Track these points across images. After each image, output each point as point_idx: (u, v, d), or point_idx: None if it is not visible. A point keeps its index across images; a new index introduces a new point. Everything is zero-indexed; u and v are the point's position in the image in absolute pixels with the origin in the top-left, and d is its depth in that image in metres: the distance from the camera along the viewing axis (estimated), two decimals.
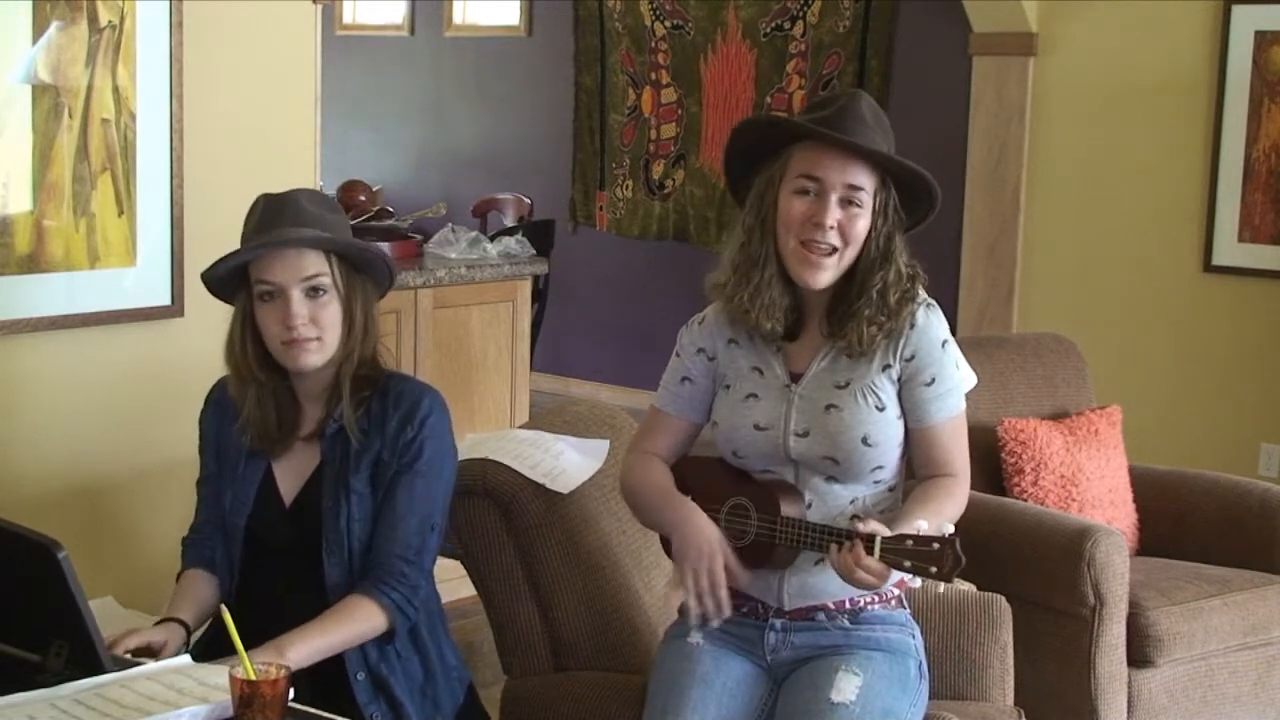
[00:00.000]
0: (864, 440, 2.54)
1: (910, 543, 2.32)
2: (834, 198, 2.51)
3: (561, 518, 2.93)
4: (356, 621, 2.55)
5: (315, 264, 2.56)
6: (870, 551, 2.34)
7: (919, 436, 2.59)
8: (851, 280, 2.56)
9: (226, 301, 2.66)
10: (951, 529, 2.34)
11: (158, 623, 2.60)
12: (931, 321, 2.58)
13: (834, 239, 2.52)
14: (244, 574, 2.67)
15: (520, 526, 2.89)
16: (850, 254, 2.54)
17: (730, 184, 2.69)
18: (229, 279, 2.62)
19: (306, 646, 2.47)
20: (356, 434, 2.61)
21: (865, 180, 2.52)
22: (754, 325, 2.60)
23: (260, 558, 2.67)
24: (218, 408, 2.74)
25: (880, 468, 2.57)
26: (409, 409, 2.63)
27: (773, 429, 2.59)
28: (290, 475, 2.67)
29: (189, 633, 2.60)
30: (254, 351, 2.62)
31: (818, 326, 2.61)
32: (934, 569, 2.29)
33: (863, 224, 2.53)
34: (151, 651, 2.48)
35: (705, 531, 2.57)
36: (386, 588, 2.56)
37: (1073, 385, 4.28)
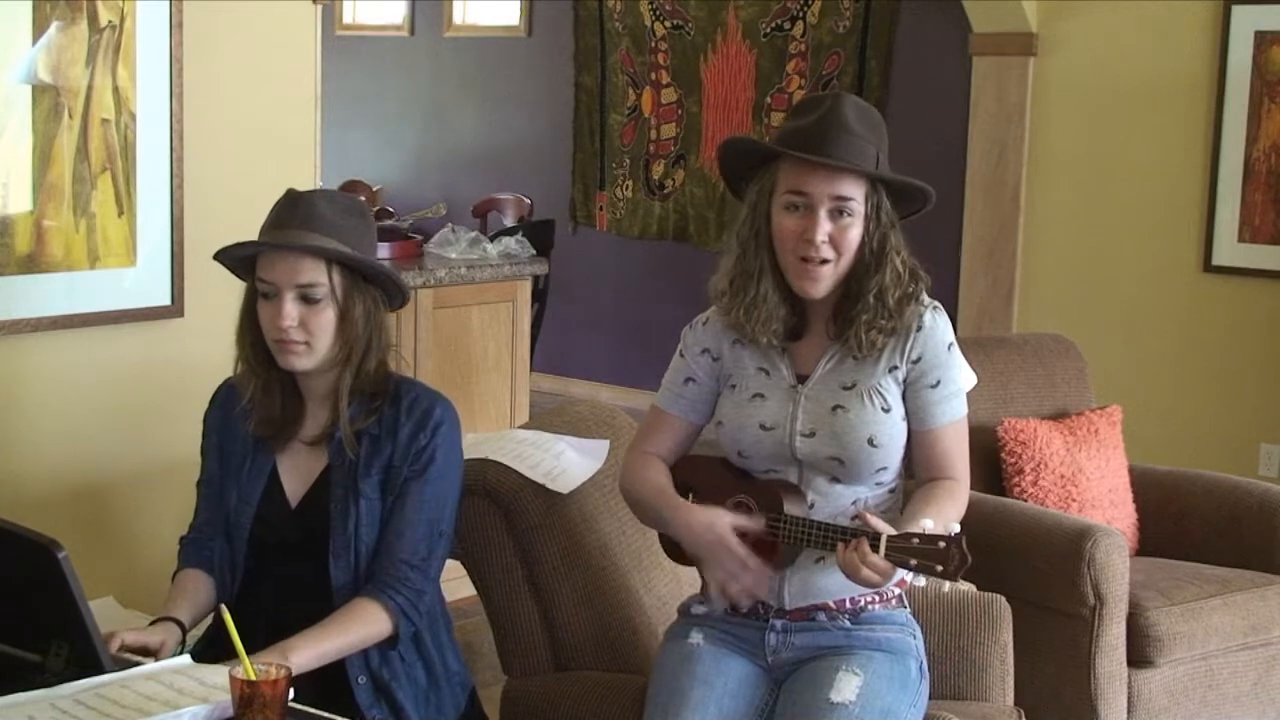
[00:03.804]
0: (870, 441, 2.54)
1: (916, 541, 2.32)
2: (822, 211, 2.51)
3: (561, 518, 2.93)
4: (363, 625, 2.54)
5: (312, 272, 2.54)
6: (875, 549, 2.34)
7: (921, 439, 2.59)
8: (851, 284, 2.56)
9: (243, 279, 2.66)
10: (958, 528, 2.35)
11: (153, 622, 2.59)
12: (939, 324, 2.58)
13: (827, 252, 2.52)
14: (247, 575, 2.67)
15: (520, 526, 2.89)
16: (846, 262, 2.54)
17: (729, 187, 2.70)
18: (243, 261, 2.62)
19: (312, 650, 2.46)
20: (355, 444, 2.60)
21: (853, 190, 2.51)
22: (750, 338, 2.61)
23: (263, 559, 2.66)
24: (222, 408, 2.74)
25: (884, 469, 2.57)
26: (422, 417, 2.62)
27: (779, 429, 2.59)
28: (296, 476, 2.66)
29: (184, 632, 2.60)
30: (255, 341, 2.63)
31: (823, 327, 2.61)
32: (940, 568, 2.29)
33: (855, 232, 2.53)
34: (148, 653, 2.48)
35: (704, 521, 2.56)
36: (392, 591, 2.56)
37: (1073, 385, 4.28)
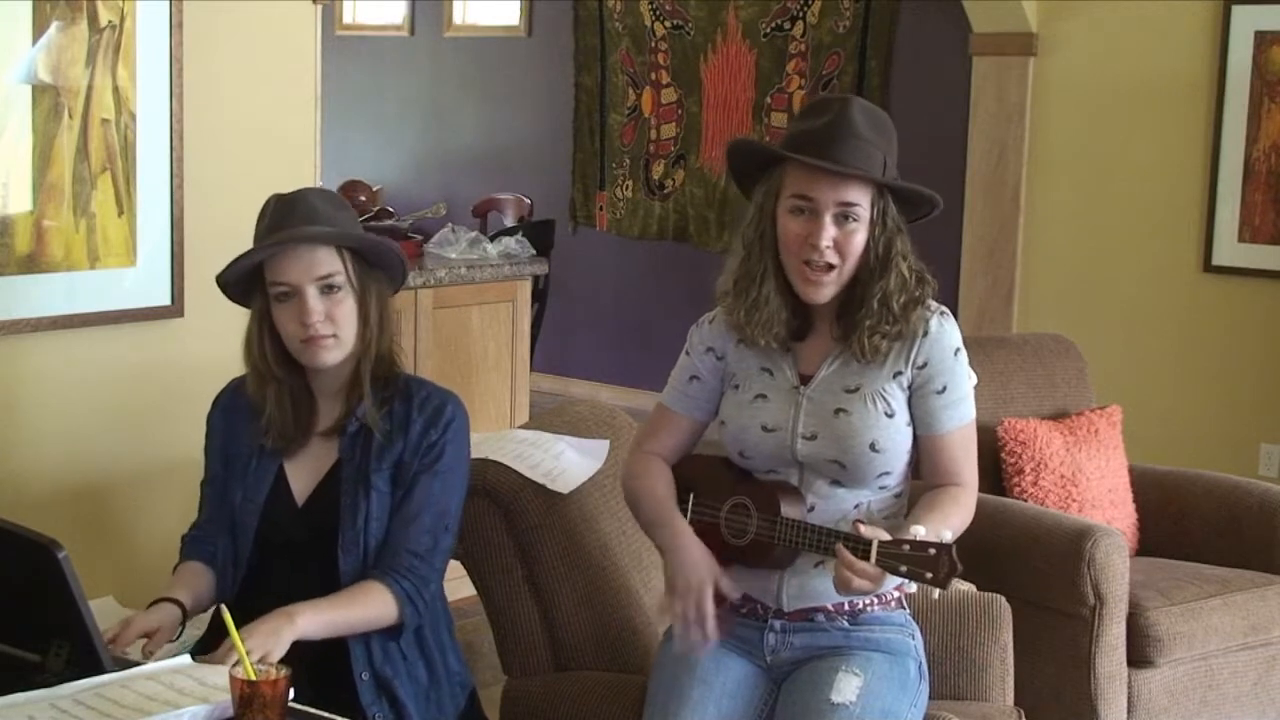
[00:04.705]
0: (872, 446, 2.53)
1: (907, 547, 2.32)
2: (828, 216, 2.50)
3: (561, 518, 2.94)
4: (370, 604, 2.54)
5: (328, 262, 2.57)
6: (867, 555, 2.34)
7: (928, 444, 2.59)
8: (856, 288, 2.56)
9: (242, 305, 2.66)
10: (950, 535, 2.34)
11: (152, 603, 2.59)
12: (945, 330, 2.57)
13: (831, 257, 2.51)
14: (253, 574, 2.67)
15: (520, 526, 2.89)
16: (850, 267, 2.53)
17: (739, 186, 2.70)
18: (243, 281, 2.62)
19: (318, 617, 2.46)
20: (380, 430, 2.62)
21: (859, 195, 2.50)
22: (750, 340, 2.61)
23: (270, 558, 2.67)
24: (225, 412, 2.75)
25: (886, 473, 2.57)
26: (434, 413, 2.64)
27: (780, 430, 2.58)
28: (304, 473, 2.67)
29: (185, 615, 2.59)
30: (273, 350, 2.63)
31: (828, 329, 2.61)
32: (929, 574, 2.29)
33: (860, 238, 2.52)
34: (146, 636, 2.48)
35: (695, 560, 2.56)
36: (398, 576, 2.57)
37: (1073, 385, 4.28)
